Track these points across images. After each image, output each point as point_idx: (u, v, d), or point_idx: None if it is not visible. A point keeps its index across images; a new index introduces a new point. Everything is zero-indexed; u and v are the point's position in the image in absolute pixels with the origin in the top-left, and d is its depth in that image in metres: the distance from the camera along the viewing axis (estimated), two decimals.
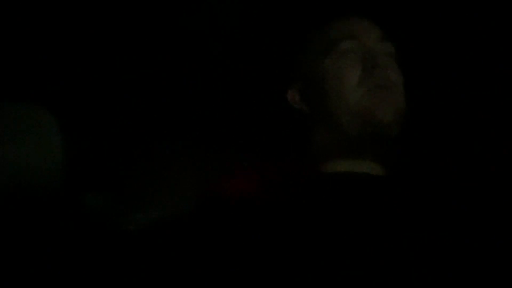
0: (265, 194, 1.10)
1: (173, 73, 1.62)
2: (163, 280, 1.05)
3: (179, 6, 1.60)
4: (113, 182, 1.46)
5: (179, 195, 1.42)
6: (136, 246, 1.16)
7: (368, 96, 1.13)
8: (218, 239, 1.04)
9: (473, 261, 1.00)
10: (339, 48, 1.18)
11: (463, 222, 1.04)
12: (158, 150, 1.56)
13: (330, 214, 1.03)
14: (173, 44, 1.61)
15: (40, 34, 1.57)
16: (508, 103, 1.51)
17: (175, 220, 1.13)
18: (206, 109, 1.60)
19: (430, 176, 1.19)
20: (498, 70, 1.54)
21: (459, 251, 1.01)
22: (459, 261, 1.00)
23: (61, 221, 1.36)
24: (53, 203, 1.37)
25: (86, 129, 1.54)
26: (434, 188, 1.10)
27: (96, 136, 1.55)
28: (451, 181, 1.18)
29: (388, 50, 1.20)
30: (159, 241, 1.10)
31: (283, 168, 1.16)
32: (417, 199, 1.07)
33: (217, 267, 1.02)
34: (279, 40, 1.47)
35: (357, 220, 1.03)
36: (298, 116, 1.21)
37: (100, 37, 1.59)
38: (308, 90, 1.21)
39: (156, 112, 1.60)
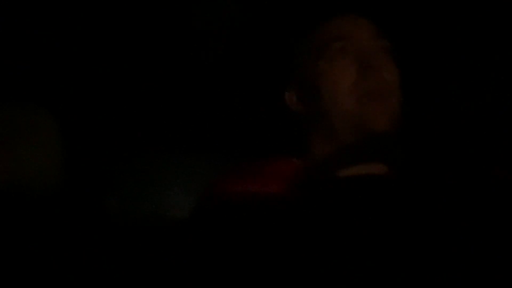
0: (264, 195, 1.10)
1: (172, 74, 1.62)
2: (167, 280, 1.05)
3: (179, 6, 1.60)
4: (112, 181, 1.46)
5: (180, 194, 1.42)
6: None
7: (360, 105, 1.12)
8: (221, 240, 1.04)
9: (478, 261, 1.00)
10: (331, 49, 1.17)
11: (467, 222, 1.04)
12: (157, 149, 1.57)
13: (332, 218, 1.03)
14: (172, 46, 1.61)
15: (40, 34, 1.57)
16: (508, 102, 1.51)
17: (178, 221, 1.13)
18: (205, 111, 1.60)
19: (435, 175, 1.18)
20: (498, 68, 1.54)
21: (465, 251, 1.00)
22: (465, 262, 0.99)
23: (62, 221, 1.36)
24: (53, 203, 1.37)
25: (86, 129, 1.54)
26: (439, 187, 1.10)
27: (96, 136, 1.55)
28: (455, 180, 1.17)
29: (383, 47, 1.18)
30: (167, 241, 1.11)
31: (282, 171, 1.15)
32: (423, 199, 1.07)
33: (218, 268, 1.02)
34: (277, 42, 1.47)
35: (358, 221, 1.03)
36: (295, 118, 1.21)
37: (99, 38, 1.59)
38: (303, 92, 1.20)
39: (155, 111, 1.60)
